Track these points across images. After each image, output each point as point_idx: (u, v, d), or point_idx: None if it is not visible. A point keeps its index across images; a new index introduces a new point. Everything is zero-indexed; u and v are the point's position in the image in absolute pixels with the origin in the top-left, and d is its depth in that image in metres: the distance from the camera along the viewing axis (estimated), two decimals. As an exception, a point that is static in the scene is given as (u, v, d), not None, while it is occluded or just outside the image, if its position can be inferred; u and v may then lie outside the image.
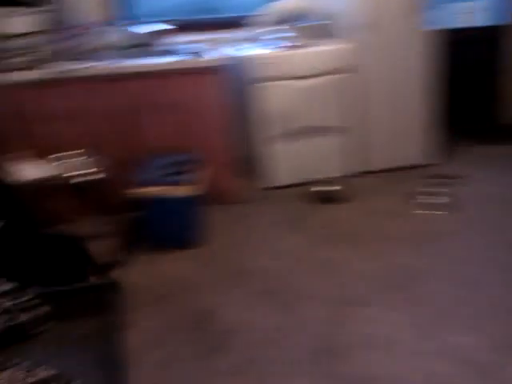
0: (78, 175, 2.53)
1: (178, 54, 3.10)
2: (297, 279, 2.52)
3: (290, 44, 3.38)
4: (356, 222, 3.06)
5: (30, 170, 2.53)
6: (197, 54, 3.07)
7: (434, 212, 3.06)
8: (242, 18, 3.70)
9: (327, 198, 3.33)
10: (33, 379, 1.69)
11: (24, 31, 2.85)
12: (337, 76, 3.38)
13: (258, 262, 2.70)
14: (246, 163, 3.77)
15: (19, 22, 2.85)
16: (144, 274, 2.62)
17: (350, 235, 2.90)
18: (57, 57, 2.90)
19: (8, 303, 1.97)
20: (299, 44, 3.37)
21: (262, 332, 2.16)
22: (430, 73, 3.51)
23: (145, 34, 3.37)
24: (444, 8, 4.06)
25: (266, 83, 3.29)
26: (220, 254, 2.80)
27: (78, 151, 2.68)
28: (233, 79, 3.53)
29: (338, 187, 3.38)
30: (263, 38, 3.52)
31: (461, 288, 2.36)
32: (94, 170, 2.57)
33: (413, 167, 3.64)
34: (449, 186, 3.33)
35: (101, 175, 2.56)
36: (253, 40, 3.56)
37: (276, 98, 3.33)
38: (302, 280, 2.52)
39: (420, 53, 3.46)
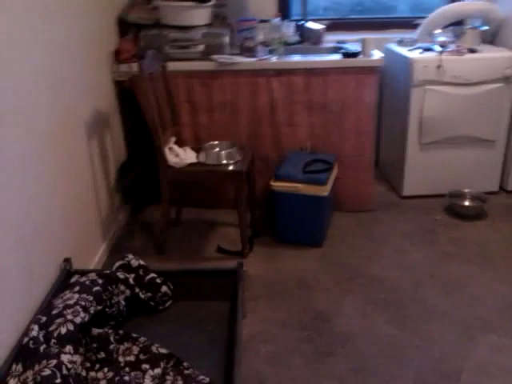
0: (223, 164, 2.61)
1: (342, 51, 3.05)
2: (419, 294, 2.43)
3: (456, 48, 3.18)
4: (491, 242, 2.88)
5: (182, 156, 2.66)
6: (360, 53, 3.01)
7: None
8: (412, 19, 3.58)
9: (464, 214, 3.13)
10: (145, 356, 1.79)
11: (200, 23, 2.99)
12: (500, 86, 3.14)
13: (381, 271, 2.62)
14: (385, 168, 3.68)
15: (197, 14, 2.99)
16: (264, 267, 2.65)
17: (480, 255, 2.75)
18: (227, 49, 3.01)
19: (133, 280, 2.10)
20: (466, 49, 3.16)
21: (376, 343, 2.10)
22: None
23: (312, 30, 3.39)
24: None
25: (424, 87, 3.10)
26: (342, 257, 2.75)
27: (226, 142, 2.77)
28: (390, 81, 3.46)
29: (477, 203, 3.19)
30: (427, 40, 3.34)
31: None
32: (239, 160, 2.64)
33: None
34: None
35: (244, 167, 2.62)
36: (416, 42, 3.38)
37: (432, 104, 3.13)
38: (424, 295, 2.42)
39: None
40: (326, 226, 2.94)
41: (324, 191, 2.75)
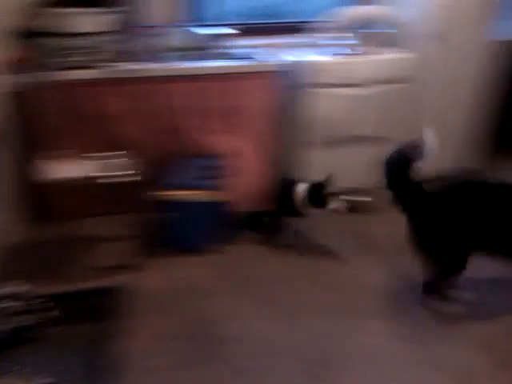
0: (114, 176, 2.58)
1: (235, 57, 3.11)
2: (299, 289, 2.54)
3: (350, 51, 3.30)
4: (379, 233, 3.03)
5: (64, 169, 2.60)
6: (253, 58, 3.07)
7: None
8: (307, 23, 3.64)
9: (355, 208, 3.25)
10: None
11: (91, 30, 2.88)
12: (394, 86, 3.27)
13: (267, 271, 2.69)
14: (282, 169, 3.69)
15: (87, 21, 2.88)
16: (157, 277, 2.62)
17: (368, 246, 2.90)
18: (119, 57, 2.93)
19: (19, 305, 2.07)
20: (360, 52, 3.28)
21: (263, 342, 2.17)
22: (490, 88, 3.46)
23: (206, 36, 3.38)
24: None
25: (320, 89, 3.18)
26: (239, 261, 2.78)
27: (120, 152, 2.71)
28: (287, 84, 3.48)
29: (368, 198, 3.33)
30: (324, 43, 3.42)
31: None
32: (131, 171, 2.61)
33: None
34: None
35: (136, 177, 2.60)
36: (313, 46, 3.47)
37: (328, 105, 3.23)
38: (303, 289, 2.53)
39: (482, 65, 3.41)
40: (220, 232, 2.92)
41: (218, 196, 2.78)
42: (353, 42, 3.39)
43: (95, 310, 2.20)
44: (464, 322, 2.30)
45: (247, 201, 3.17)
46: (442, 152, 3.27)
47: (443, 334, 2.23)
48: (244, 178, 3.12)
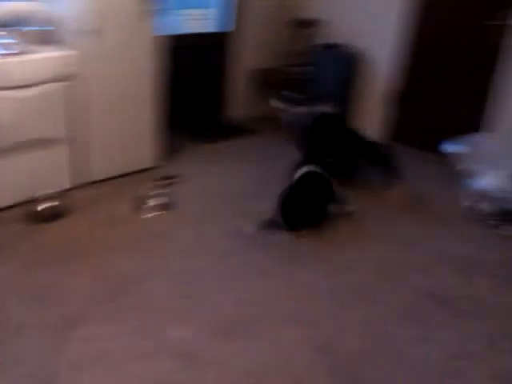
0: None
1: None
2: (5, 314, 2.31)
3: (8, 51, 3.06)
4: (73, 239, 2.92)
5: None
6: None
7: (156, 213, 3.24)
8: None
9: (48, 216, 3.08)
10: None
11: None
12: (58, 84, 3.19)
13: None
14: None
15: None
16: None
17: (68, 253, 2.78)
18: None
19: None
20: (16, 51, 3.08)
21: None
22: (158, 78, 3.69)
23: None
24: (174, 14, 4.34)
25: None
26: None
27: None
28: None
29: (57, 202, 3.16)
30: None
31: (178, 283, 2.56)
32: None
33: (143, 171, 3.81)
34: (170, 187, 3.54)
35: None
36: None
37: None
38: (11, 313, 2.32)
39: (147, 58, 3.59)
40: None
41: None
42: (6, 40, 3.14)
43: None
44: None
45: None
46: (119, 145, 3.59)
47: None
48: None
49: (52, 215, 3.11)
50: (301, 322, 2.36)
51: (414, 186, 3.86)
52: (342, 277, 2.71)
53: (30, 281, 2.55)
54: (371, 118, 4.75)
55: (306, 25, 4.80)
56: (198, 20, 4.61)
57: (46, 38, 3.42)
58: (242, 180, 3.84)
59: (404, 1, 4.32)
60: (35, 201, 3.11)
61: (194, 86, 4.66)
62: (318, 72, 4.76)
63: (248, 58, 5.04)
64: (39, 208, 3.11)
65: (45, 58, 3.15)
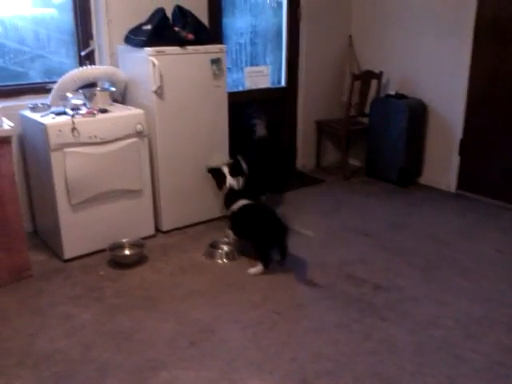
0: None
1: None
2: (91, 355, 2.41)
3: (86, 110, 3.31)
4: (153, 284, 3.06)
5: None
6: None
7: (229, 261, 3.32)
8: (41, 84, 3.68)
9: (131, 261, 3.26)
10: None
11: None
12: (132, 140, 3.40)
13: (50, 344, 2.50)
14: (45, 235, 3.60)
15: None
16: None
17: (146, 300, 2.88)
18: None
19: None
20: (96, 110, 3.33)
21: None
22: (227, 131, 3.87)
23: None
24: (237, 72, 4.65)
25: (63, 150, 3.11)
26: (6, 343, 2.52)
27: None
28: (30, 147, 3.45)
29: (140, 249, 3.35)
30: (61, 104, 3.42)
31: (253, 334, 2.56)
32: None
33: (216, 219, 3.89)
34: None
35: None
36: (51, 106, 3.40)
37: (74, 165, 3.16)
38: (96, 355, 2.41)
39: (219, 114, 3.80)
40: None
41: None
42: (84, 101, 3.44)
43: None
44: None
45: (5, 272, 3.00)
46: (185, 197, 3.77)
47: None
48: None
49: (135, 261, 3.27)
50: (383, 376, 2.29)
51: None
52: (425, 332, 2.61)
53: (113, 324, 2.66)
54: (438, 167, 4.70)
55: (372, 76, 4.87)
56: (264, 76, 4.77)
57: (120, 98, 3.76)
58: (313, 228, 3.77)
59: (466, 50, 4.30)
60: (120, 247, 3.35)
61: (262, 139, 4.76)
62: (380, 123, 4.79)
63: (315, 109, 5.15)
64: (122, 253, 3.33)
65: (118, 116, 3.38)
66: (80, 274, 3.18)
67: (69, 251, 3.31)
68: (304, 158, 5.27)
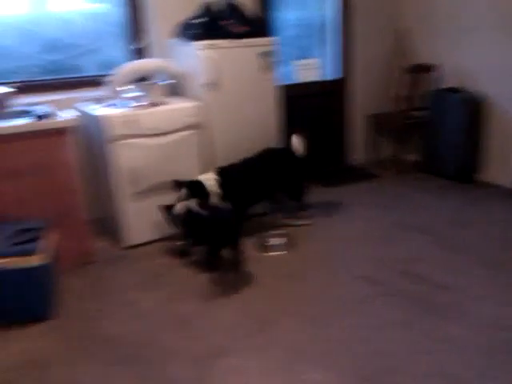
0: None
1: (27, 115, 2.98)
2: (155, 339, 2.48)
3: (142, 103, 3.37)
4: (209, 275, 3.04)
5: None
6: (47, 115, 2.97)
7: (280, 253, 3.30)
8: (95, 77, 3.73)
9: (185, 252, 3.27)
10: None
11: None
12: (186, 133, 3.45)
13: (116, 327, 2.59)
14: (105, 223, 3.65)
15: None
16: None
17: (205, 288, 2.92)
18: None
19: None
20: (147, 103, 3.37)
21: None
22: (279, 124, 3.87)
23: None
24: (288, 65, 4.46)
25: (120, 141, 3.19)
26: (73, 324, 2.63)
27: None
28: (86, 139, 3.48)
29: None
30: (116, 97, 3.47)
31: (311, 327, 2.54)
32: None
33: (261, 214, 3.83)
34: (294, 227, 3.65)
35: None
36: (106, 99, 3.48)
37: (131, 156, 3.25)
38: (160, 339, 2.48)
39: (270, 107, 3.79)
40: (49, 295, 2.74)
41: (36, 260, 2.57)
42: (142, 93, 3.46)
43: None
44: None
45: (71, 258, 3.11)
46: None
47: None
48: (61, 236, 2.99)
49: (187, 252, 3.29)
50: (445, 376, 2.21)
51: None
52: (489, 333, 2.50)
53: (176, 310, 2.74)
54: (498, 164, 4.50)
55: (424, 69, 4.73)
56: (314, 69, 4.70)
57: (174, 90, 3.80)
58: (367, 224, 3.77)
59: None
60: (172, 238, 3.41)
61: (313, 132, 4.70)
62: (437, 117, 4.63)
63: (366, 102, 5.06)
64: (175, 244, 3.37)
65: (174, 109, 3.44)
66: (140, 261, 3.28)
67: (129, 239, 3.42)
68: (356, 153, 5.18)
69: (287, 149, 3.68)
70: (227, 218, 2.97)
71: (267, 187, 3.59)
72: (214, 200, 3.27)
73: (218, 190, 3.27)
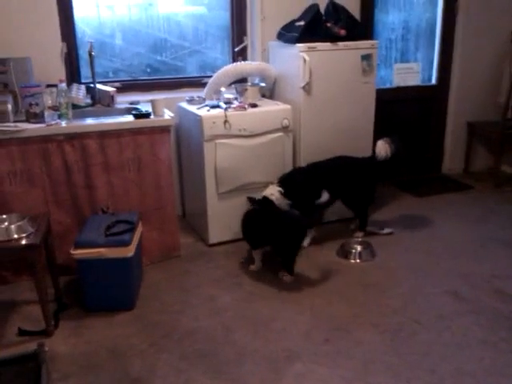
0: (14, 239, 2.43)
1: (133, 113, 3.12)
2: (230, 338, 2.52)
3: (240, 104, 3.45)
4: (297, 278, 3.06)
5: None
6: (150, 113, 3.13)
7: (363, 261, 3.29)
8: (200, 78, 3.94)
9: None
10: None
11: None
12: (278, 135, 3.48)
13: (194, 322, 2.65)
14: (191, 219, 3.83)
15: None
16: (73, 341, 2.52)
17: (282, 290, 2.95)
18: (10, 117, 2.90)
19: None
20: (243, 105, 3.43)
21: None
22: (371, 130, 3.82)
23: (103, 92, 3.44)
24: (386, 69, 4.49)
25: (215, 141, 3.29)
26: (155, 315, 2.73)
27: (16, 214, 2.61)
28: (184, 137, 3.68)
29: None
30: (215, 98, 3.61)
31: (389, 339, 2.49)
32: (32, 232, 2.49)
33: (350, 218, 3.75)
34: (378, 236, 3.62)
35: (38, 239, 2.46)
36: (204, 100, 3.59)
37: (224, 156, 3.33)
38: (235, 338, 2.52)
39: (367, 110, 3.77)
40: (135, 286, 2.88)
41: (129, 252, 2.69)
42: (234, 95, 3.59)
43: (18, 378, 1.98)
44: None
45: (158, 250, 3.27)
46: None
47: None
48: (151, 230, 3.20)
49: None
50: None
51: None
52: None
53: (252, 310, 2.79)
54: None
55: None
56: (414, 73, 4.60)
57: (268, 92, 3.90)
58: (457, 237, 3.63)
59: None
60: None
61: (407, 138, 4.60)
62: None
63: (465, 109, 4.84)
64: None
65: (268, 111, 3.50)
66: (222, 258, 3.37)
67: (213, 237, 3.52)
68: (451, 162, 4.99)
69: (359, 159, 3.59)
70: (304, 224, 3.09)
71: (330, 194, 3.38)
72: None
73: (285, 201, 3.27)
